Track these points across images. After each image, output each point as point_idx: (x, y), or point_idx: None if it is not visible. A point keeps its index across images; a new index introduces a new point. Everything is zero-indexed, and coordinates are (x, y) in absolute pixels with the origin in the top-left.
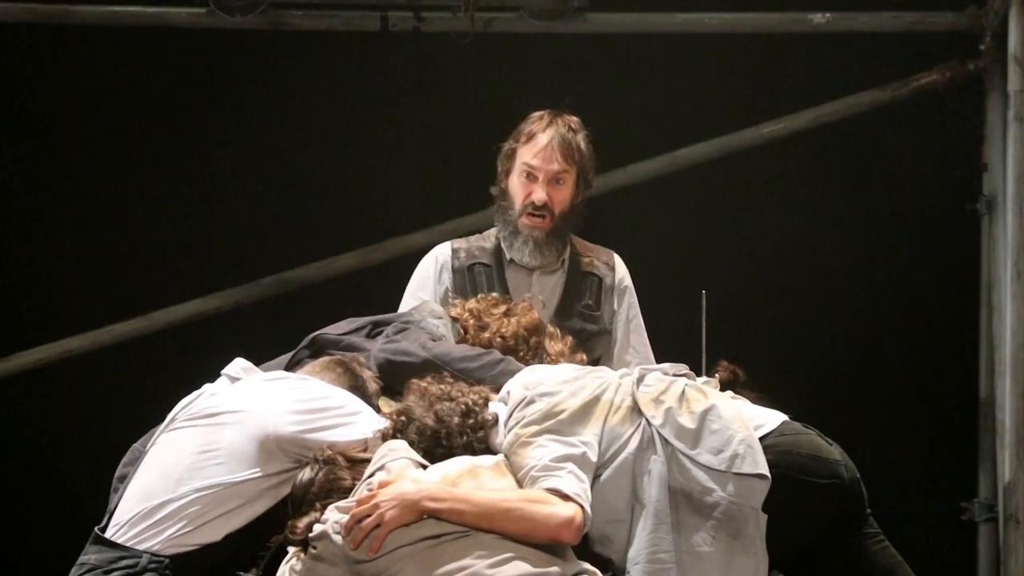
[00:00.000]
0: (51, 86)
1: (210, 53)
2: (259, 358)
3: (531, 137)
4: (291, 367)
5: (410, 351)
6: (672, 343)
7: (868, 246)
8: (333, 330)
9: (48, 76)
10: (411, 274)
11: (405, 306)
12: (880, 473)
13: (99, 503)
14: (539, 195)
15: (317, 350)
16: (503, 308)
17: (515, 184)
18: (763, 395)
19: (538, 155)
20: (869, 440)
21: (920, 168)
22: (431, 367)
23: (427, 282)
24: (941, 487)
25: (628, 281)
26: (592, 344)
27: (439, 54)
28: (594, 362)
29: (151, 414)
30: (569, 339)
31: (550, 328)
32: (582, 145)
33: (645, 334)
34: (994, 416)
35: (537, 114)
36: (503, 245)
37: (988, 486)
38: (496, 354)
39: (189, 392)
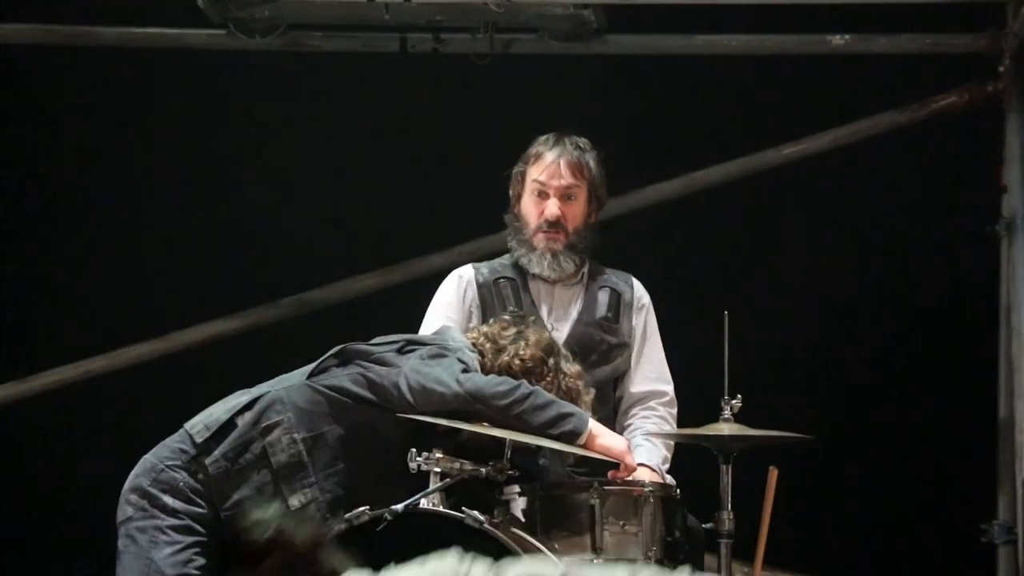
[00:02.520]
0: (70, 108)
1: (229, 75)
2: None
3: (539, 157)
4: (316, 374)
5: (444, 381)
6: (693, 364)
7: (887, 268)
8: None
9: (67, 98)
10: (431, 295)
11: (427, 327)
12: (899, 494)
13: (114, 523)
14: (552, 211)
15: (345, 360)
16: (515, 330)
17: (527, 204)
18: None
19: (546, 171)
20: (889, 461)
21: (939, 190)
22: (463, 401)
23: (451, 301)
24: (960, 509)
25: (647, 300)
26: (612, 356)
27: (458, 76)
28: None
29: (169, 434)
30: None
31: (563, 349)
32: (591, 163)
33: (662, 350)
34: (1013, 438)
35: (543, 136)
36: (522, 262)
37: (1007, 508)
38: (525, 386)
39: None
